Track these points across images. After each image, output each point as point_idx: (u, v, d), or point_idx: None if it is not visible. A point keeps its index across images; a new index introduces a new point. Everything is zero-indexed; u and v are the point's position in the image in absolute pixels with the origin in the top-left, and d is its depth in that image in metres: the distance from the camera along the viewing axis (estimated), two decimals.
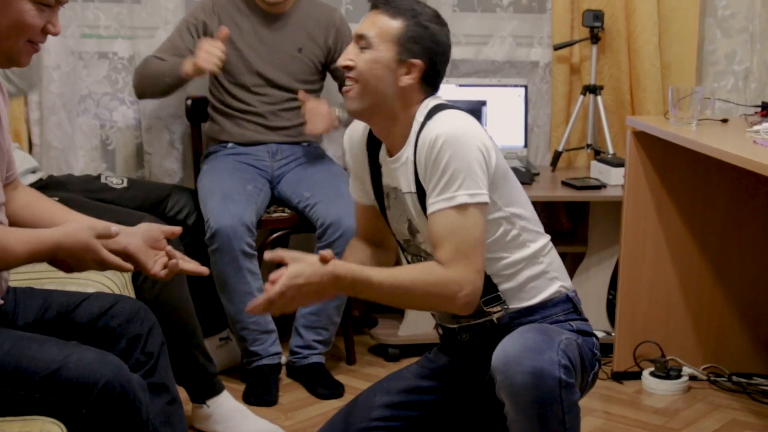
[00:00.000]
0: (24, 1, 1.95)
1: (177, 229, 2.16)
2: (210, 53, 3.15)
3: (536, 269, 2.21)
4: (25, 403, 1.94)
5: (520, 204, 2.21)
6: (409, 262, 2.31)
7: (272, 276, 1.98)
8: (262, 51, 3.41)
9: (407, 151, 2.16)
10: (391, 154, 2.21)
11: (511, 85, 3.74)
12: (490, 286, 2.18)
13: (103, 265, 2.00)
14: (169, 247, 2.12)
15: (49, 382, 1.93)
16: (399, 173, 2.19)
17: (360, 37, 2.16)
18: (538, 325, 2.15)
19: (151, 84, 3.36)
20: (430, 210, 2.08)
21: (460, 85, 3.69)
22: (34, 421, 1.91)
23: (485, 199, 2.07)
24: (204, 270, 2.15)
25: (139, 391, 2.00)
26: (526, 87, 3.75)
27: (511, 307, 2.20)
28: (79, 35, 3.58)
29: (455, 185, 2.05)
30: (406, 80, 2.15)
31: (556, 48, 3.75)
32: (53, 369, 1.93)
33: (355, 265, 2.07)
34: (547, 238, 2.26)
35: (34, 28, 1.99)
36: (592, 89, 3.71)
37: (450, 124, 2.10)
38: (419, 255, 2.26)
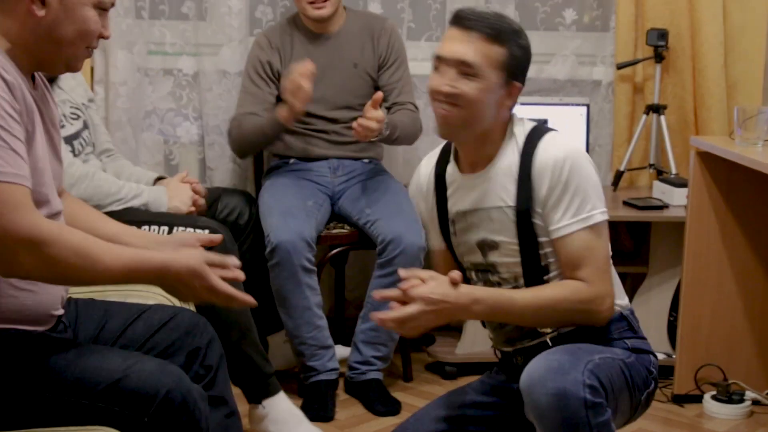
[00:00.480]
0: (87, 8, 1.97)
1: (215, 237, 2.15)
2: (296, 95, 3.21)
3: None
4: (87, 413, 1.95)
5: None
6: (470, 280, 2.29)
7: (404, 286, 2.00)
8: (318, 72, 3.41)
9: (504, 166, 2.16)
10: (471, 170, 2.21)
11: (573, 104, 3.74)
12: None
13: (213, 293, 1.95)
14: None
15: (112, 391, 1.93)
16: (481, 188, 2.18)
17: (464, 64, 2.10)
18: (569, 345, 2.13)
19: (252, 143, 3.43)
20: (563, 232, 2.11)
21: (522, 104, 3.57)
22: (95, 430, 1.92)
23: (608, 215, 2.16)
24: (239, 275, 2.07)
25: (199, 401, 2.01)
26: (588, 106, 3.74)
27: (564, 329, 2.19)
28: (145, 52, 3.65)
29: (588, 206, 2.11)
30: (508, 103, 2.16)
31: (620, 67, 3.74)
32: (115, 379, 1.94)
33: (490, 288, 2.14)
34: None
35: (95, 33, 2.01)
36: (656, 109, 3.70)
37: (570, 146, 2.16)
38: (488, 271, 2.23)
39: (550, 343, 2.18)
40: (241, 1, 3.63)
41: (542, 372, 2.00)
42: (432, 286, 2.01)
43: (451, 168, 2.24)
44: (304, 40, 3.46)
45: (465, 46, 2.10)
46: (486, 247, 2.21)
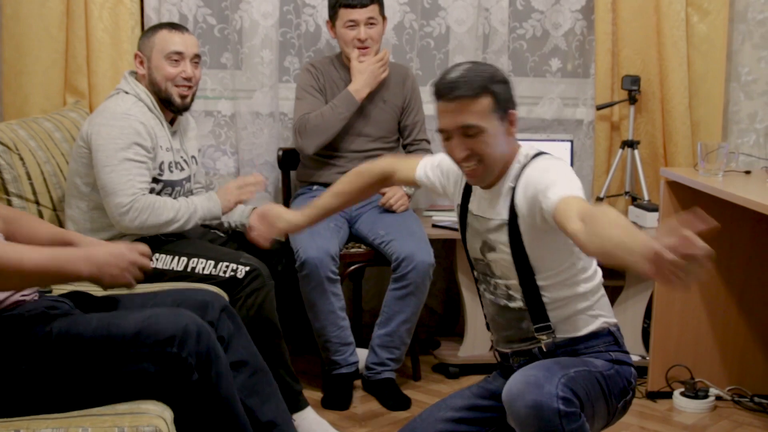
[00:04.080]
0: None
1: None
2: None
3: (584, 305, 2.21)
4: (123, 364, 1.95)
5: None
6: (476, 278, 2.34)
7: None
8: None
9: (506, 184, 2.17)
10: (486, 187, 2.23)
11: (558, 140, 3.76)
12: (542, 315, 2.20)
13: (133, 270, 1.97)
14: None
15: (138, 338, 1.96)
16: (489, 202, 2.21)
17: (465, 128, 2.09)
18: (547, 361, 2.14)
19: (327, 126, 3.41)
20: (548, 204, 2.01)
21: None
22: (142, 416, 1.90)
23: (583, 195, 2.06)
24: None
25: (212, 333, 2.04)
26: (572, 141, 3.76)
27: (558, 336, 2.21)
28: None
29: (565, 185, 2.03)
30: (512, 130, 2.16)
31: (599, 108, 3.78)
32: (138, 329, 1.97)
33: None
34: (599, 279, 2.25)
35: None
36: (630, 144, 3.72)
37: (552, 158, 2.16)
38: (487, 273, 2.28)
39: (544, 348, 2.20)
40: (272, 53, 3.68)
41: (520, 386, 2.01)
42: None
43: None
44: (343, 76, 3.52)
45: (459, 115, 2.09)
46: (486, 248, 2.25)
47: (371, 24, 3.45)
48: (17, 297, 2.10)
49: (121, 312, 2.10)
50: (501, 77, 2.14)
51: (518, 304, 2.23)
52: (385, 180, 2.56)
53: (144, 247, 2.04)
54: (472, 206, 2.29)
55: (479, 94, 2.08)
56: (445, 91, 2.10)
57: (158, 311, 2.04)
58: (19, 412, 1.93)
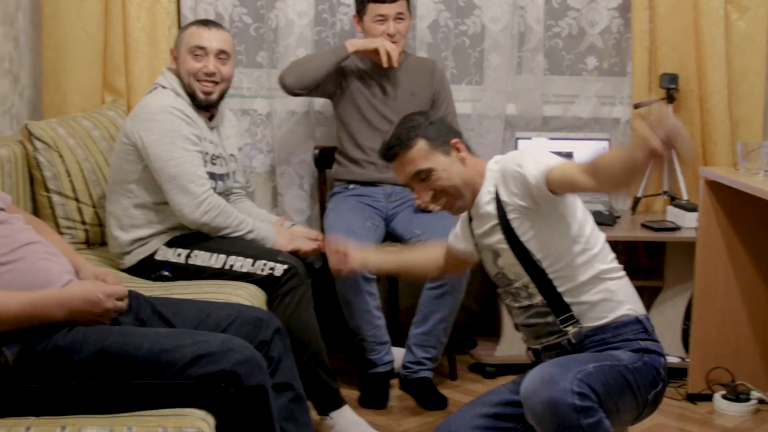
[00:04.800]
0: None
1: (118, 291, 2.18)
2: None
3: (605, 292, 2.23)
4: (170, 388, 1.98)
5: (586, 225, 2.27)
6: (500, 296, 2.39)
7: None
8: (382, 97, 3.52)
9: (485, 195, 2.29)
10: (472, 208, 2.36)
11: (595, 139, 3.73)
12: (563, 306, 2.23)
13: (105, 317, 2.05)
14: None
15: (188, 369, 1.98)
16: (480, 217, 2.31)
17: (417, 175, 2.28)
18: (564, 357, 2.18)
19: (309, 61, 3.45)
20: (535, 179, 2.15)
21: (551, 138, 3.72)
22: (185, 417, 1.93)
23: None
24: None
25: (263, 365, 2.06)
26: (608, 140, 3.74)
27: (585, 326, 2.22)
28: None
29: (540, 157, 2.19)
30: (463, 155, 2.31)
31: (636, 106, 3.74)
32: (189, 358, 1.98)
33: None
34: (613, 263, 2.28)
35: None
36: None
37: (514, 153, 2.33)
38: (506, 284, 2.32)
39: (573, 340, 2.22)
40: (306, 52, 3.67)
41: (537, 383, 2.04)
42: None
43: None
44: (373, 69, 3.53)
45: (404, 168, 2.29)
46: (495, 257, 2.31)
47: (400, 19, 3.47)
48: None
49: (173, 334, 2.09)
50: (429, 120, 2.32)
51: (538, 299, 2.27)
52: (452, 258, 2.61)
53: (121, 290, 2.11)
54: (476, 230, 2.37)
55: (410, 144, 2.27)
56: (385, 156, 2.32)
57: (211, 342, 2.03)
58: (65, 412, 1.95)
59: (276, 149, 3.77)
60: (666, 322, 3.54)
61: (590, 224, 2.28)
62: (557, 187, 2.14)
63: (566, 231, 2.23)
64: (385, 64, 3.42)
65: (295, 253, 2.98)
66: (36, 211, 3.01)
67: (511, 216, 2.23)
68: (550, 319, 2.26)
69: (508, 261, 2.28)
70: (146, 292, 2.39)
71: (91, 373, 1.97)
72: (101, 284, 2.07)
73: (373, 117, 3.52)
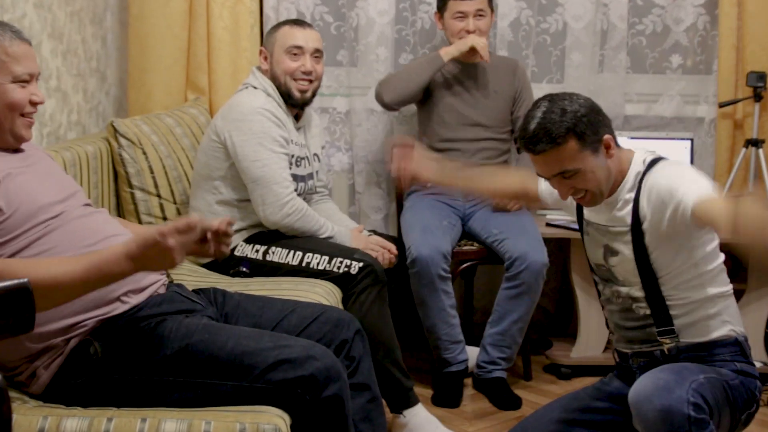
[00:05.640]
0: (5, 84, 1.96)
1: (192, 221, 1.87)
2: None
3: (712, 311, 2.18)
4: (250, 389, 1.99)
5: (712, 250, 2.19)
6: (596, 283, 2.32)
7: None
8: (465, 95, 3.51)
9: (623, 194, 2.17)
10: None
11: (678, 139, 3.67)
12: (666, 318, 2.18)
13: (170, 254, 1.81)
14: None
15: (268, 373, 1.98)
16: (607, 212, 2.21)
17: (563, 173, 2.11)
18: (676, 365, 2.12)
19: (407, 74, 3.45)
20: (685, 206, 2.02)
21: (632, 138, 3.65)
22: (263, 414, 1.93)
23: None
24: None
25: (342, 373, 2.04)
26: (692, 140, 3.66)
27: (682, 341, 2.17)
28: None
29: (698, 186, 2.04)
30: (611, 152, 2.14)
31: (722, 105, 3.66)
32: (270, 362, 1.98)
33: None
34: (728, 285, 2.22)
35: (22, 103, 1.98)
36: (755, 143, 3.60)
37: (674, 163, 2.17)
38: (609, 279, 2.26)
39: (666, 352, 2.18)
40: (387, 50, 3.70)
41: (650, 389, 1.99)
42: None
43: None
44: (456, 68, 3.53)
45: (549, 165, 2.11)
46: (609, 253, 2.23)
47: (480, 15, 3.46)
48: (151, 282, 2.11)
49: (256, 336, 2.07)
50: (581, 112, 2.09)
51: (642, 309, 2.21)
52: (521, 194, 2.56)
53: (180, 223, 1.83)
54: (589, 216, 2.29)
55: (562, 142, 2.07)
56: (528, 146, 2.10)
57: (293, 347, 2.02)
58: (145, 404, 1.99)
59: (354, 147, 3.78)
60: (748, 325, 3.35)
61: (714, 243, 2.20)
62: (698, 221, 2.03)
63: (694, 253, 2.16)
64: (486, 59, 3.41)
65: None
66: (119, 207, 3.08)
67: (647, 231, 2.15)
68: (648, 328, 2.22)
69: (625, 267, 2.21)
70: (225, 287, 2.42)
71: (174, 369, 2.00)
72: (159, 226, 1.87)
73: (455, 117, 3.51)
